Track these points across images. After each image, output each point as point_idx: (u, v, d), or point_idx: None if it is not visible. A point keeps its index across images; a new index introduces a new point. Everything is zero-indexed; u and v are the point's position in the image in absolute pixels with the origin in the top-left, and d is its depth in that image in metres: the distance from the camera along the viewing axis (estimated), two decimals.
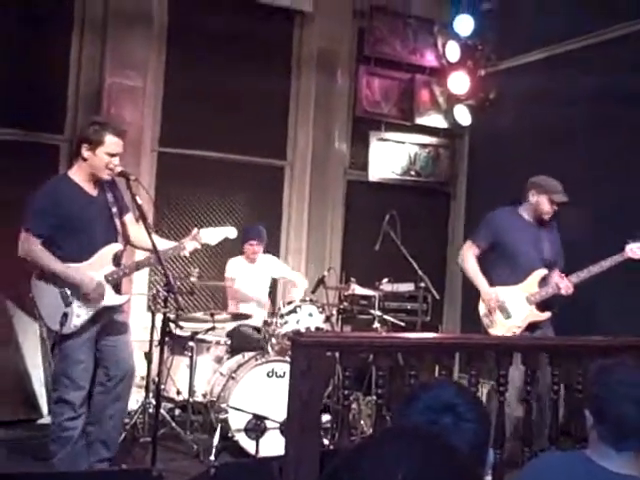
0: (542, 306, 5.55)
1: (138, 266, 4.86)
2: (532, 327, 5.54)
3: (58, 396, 4.60)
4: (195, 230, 4.95)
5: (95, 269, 4.60)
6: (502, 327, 5.52)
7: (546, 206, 5.53)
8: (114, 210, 4.71)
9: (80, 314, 4.54)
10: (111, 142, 4.54)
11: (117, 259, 4.69)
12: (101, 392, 4.74)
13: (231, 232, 5.05)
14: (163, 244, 4.83)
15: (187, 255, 5.09)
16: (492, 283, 5.58)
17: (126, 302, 4.78)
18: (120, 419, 4.95)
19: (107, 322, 4.72)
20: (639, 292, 6.07)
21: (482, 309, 5.64)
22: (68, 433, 4.55)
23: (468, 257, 5.72)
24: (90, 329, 4.62)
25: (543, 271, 5.55)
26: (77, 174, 4.65)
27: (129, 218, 4.90)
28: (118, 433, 4.93)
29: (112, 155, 4.55)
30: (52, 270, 4.50)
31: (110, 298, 4.65)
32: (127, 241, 4.89)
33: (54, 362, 4.91)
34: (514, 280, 5.54)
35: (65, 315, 4.46)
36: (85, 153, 4.55)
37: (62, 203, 4.55)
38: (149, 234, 4.52)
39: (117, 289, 4.73)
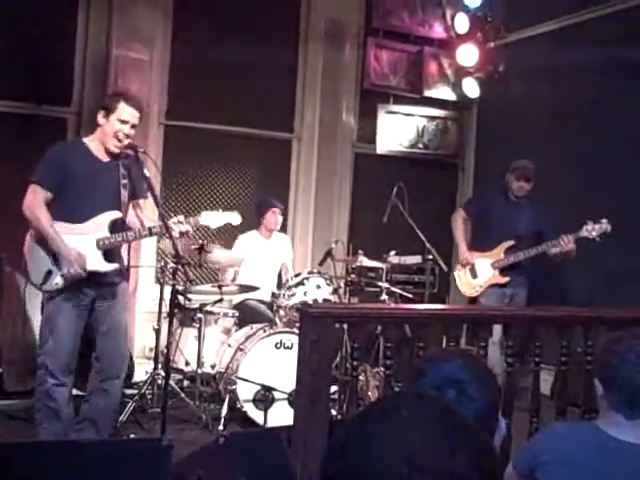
0: (504, 271, 6.30)
1: (141, 234, 4.71)
2: (500, 286, 6.34)
3: (41, 361, 4.52)
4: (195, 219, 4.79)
5: (88, 233, 4.54)
6: (467, 285, 6.46)
7: (513, 184, 6.30)
8: (124, 182, 4.67)
9: (64, 274, 4.48)
10: (123, 109, 4.56)
11: (114, 227, 4.62)
12: (95, 371, 4.68)
13: (235, 218, 4.93)
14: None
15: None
16: (471, 247, 6.47)
17: (114, 270, 4.62)
18: (114, 401, 4.76)
19: (102, 306, 4.63)
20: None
21: (457, 269, 6.58)
22: (54, 404, 4.47)
23: (456, 222, 6.62)
24: (76, 296, 4.53)
25: (510, 242, 6.28)
26: (91, 140, 4.70)
27: (141, 202, 4.86)
28: (110, 417, 4.77)
29: (123, 122, 4.55)
30: (44, 231, 4.47)
31: (96, 263, 4.55)
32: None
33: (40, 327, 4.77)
34: (486, 247, 6.37)
35: (49, 272, 4.48)
36: (100, 120, 4.60)
37: (68, 161, 4.57)
38: (157, 205, 4.52)
39: (110, 257, 4.62)
